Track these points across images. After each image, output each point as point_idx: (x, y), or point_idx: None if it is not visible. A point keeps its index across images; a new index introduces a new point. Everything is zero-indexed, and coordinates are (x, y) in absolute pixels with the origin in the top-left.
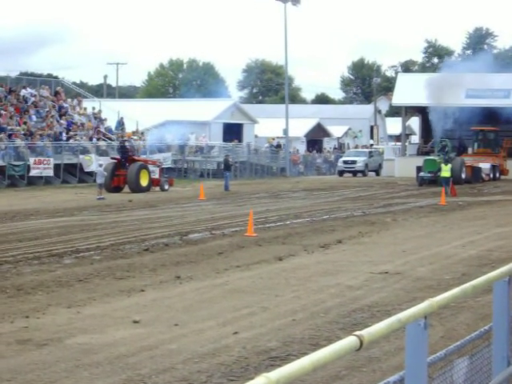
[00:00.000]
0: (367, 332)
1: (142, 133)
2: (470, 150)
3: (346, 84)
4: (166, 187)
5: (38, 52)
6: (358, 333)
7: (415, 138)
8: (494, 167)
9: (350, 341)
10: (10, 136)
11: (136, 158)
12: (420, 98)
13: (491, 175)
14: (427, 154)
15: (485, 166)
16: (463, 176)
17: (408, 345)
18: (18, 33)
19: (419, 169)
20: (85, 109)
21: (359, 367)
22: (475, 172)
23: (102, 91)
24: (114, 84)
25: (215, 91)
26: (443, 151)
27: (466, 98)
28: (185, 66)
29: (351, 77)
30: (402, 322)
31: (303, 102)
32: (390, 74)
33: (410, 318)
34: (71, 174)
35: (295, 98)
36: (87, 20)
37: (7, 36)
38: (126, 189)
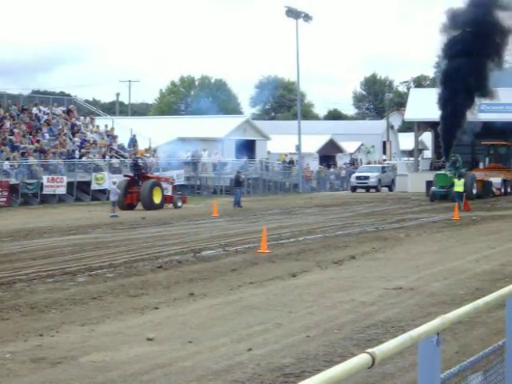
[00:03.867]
0: (379, 349)
1: (155, 150)
2: (481, 165)
3: (358, 100)
4: (179, 204)
5: (51, 70)
6: (370, 350)
7: (428, 153)
8: (505, 182)
9: (362, 358)
10: (23, 154)
11: (149, 175)
12: (432, 113)
13: (502, 190)
14: (440, 169)
15: (496, 180)
16: (474, 191)
17: (421, 361)
18: (32, 52)
19: (429, 184)
20: (97, 126)
21: (373, 383)
22: (486, 187)
23: (115, 109)
24: (126, 101)
25: (227, 108)
26: (454, 166)
27: (480, 113)
28: (197, 82)
29: (363, 92)
30: (414, 339)
31: (316, 118)
32: (402, 89)
33: (422, 334)
34: (84, 191)
35: (307, 114)
36: (100, 38)
37: (21, 55)
38: (139, 206)
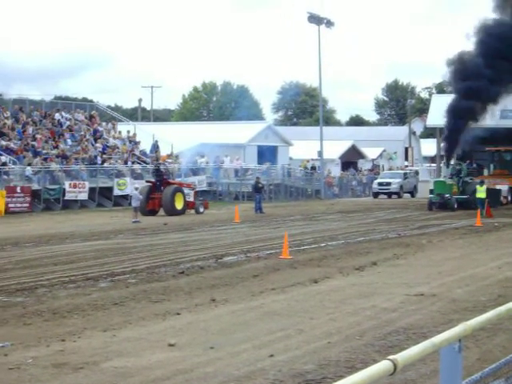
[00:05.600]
0: (401, 356)
1: (177, 156)
2: (485, 172)
3: (380, 106)
4: (201, 210)
5: (73, 77)
6: (391, 357)
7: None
8: (511, 189)
9: (384, 365)
10: (45, 160)
11: (171, 181)
12: None
13: (509, 198)
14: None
15: (503, 188)
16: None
17: (442, 368)
18: (55, 59)
19: (432, 192)
20: (119, 132)
21: None
22: (494, 195)
23: (137, 115)
24: (148, 107)
25: (250, 114)
26: (458, 175)
27: (501, 119)
28: (219, 88)
29: (385, 98)
30: (436, 346)
31: (338, 124)
32: (424, 95)
33: (444, 341)
34: (106, 197)
35: (329, 120)
36: (122, 45)
37: (44, 62)
38: (161, 212)
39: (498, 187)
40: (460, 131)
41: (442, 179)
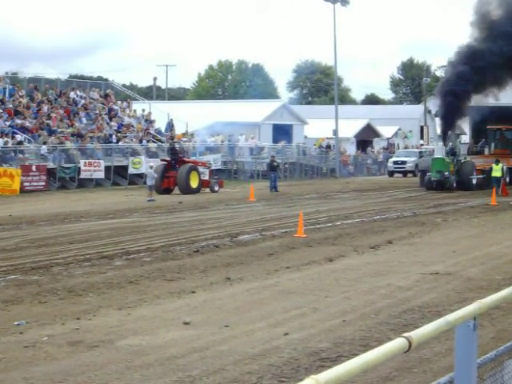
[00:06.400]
0: (416, 334)
1: (192, 134)
2: (486, 151)
3: (395, 84)
4: (216, 188)
5: (89, 55)
6: (406, 334)
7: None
8: (510, 170)
9: (398, 342)
10: (59, 139)
11: (186, 159)
12: None
13: (507, 179)
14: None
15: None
16: (474, 181)
17: (457, 346)
18: (70, 37)
19: (424, 172)
20: (134, 111)
21: (410, 368)
22: (489, 176)
23: (152, 93)
24: (163, 86)
25: (262, 92)
26: (453, 154)
27: None
28: (234, 67)
29: (401, 77)
30: (451, 324)
31: (353, 102)
32: (439, 73)
33: (459, 319)
34: (121, 175)
35: (345, 99)
36: (137, 23)
37: (59, 40)
38: (176, 190)
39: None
40: (456, 111)
41: (441, 156)
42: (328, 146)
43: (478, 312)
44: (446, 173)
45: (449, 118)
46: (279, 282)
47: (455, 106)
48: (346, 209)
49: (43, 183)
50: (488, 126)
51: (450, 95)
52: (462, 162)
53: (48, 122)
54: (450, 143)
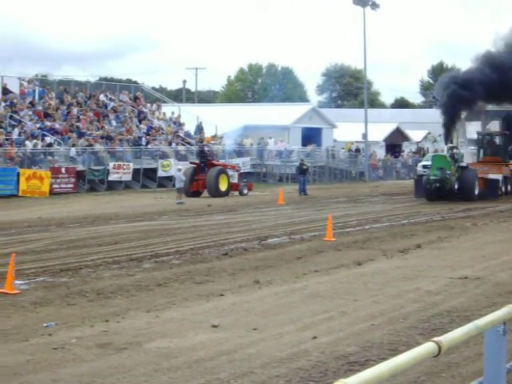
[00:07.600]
0: (445, 338)
1: (221, 137)
2: (474, 158)
3: (425, 88)
4: (245, 192)
5: (118, 58)
6: (436, 339)
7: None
8: (505, 179)
9: (428, 347)
10: (89, 141)
11: (215, 162)
12: None
13: (503, 189)
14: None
15: (498, 177)
16: (476, 192)
17: (487, 351)
18: (100, 40)
19: (419, 182)
20: (164, 114)
21: (438, 373)
22: (490, 185)
23: (181, 96)
24: (193, 89)
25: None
26: (453, 158)
27: None
28: (264, 70)
29: (431, 81)
30: (480, 328)
31: (382, 106)
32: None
33: (489, 324)
34: (150, 178)
35: (374, 103)
36: (167, 26)
37: (89, 43)
38: (205, 193)
39: (491, 176)
40: (458, 118)
41: (442, 153)
42: (357, 150)
43: (508, 317)
44: (448, 171)
45: (451, 124)
46: (308, 286)
47: (462, 96)
48: (375, 212)
49: (72, 185)
50: (477, 131)
51: (454, 84)
52: (464, 167)
53: (77, 124)
54: (451, 146)
